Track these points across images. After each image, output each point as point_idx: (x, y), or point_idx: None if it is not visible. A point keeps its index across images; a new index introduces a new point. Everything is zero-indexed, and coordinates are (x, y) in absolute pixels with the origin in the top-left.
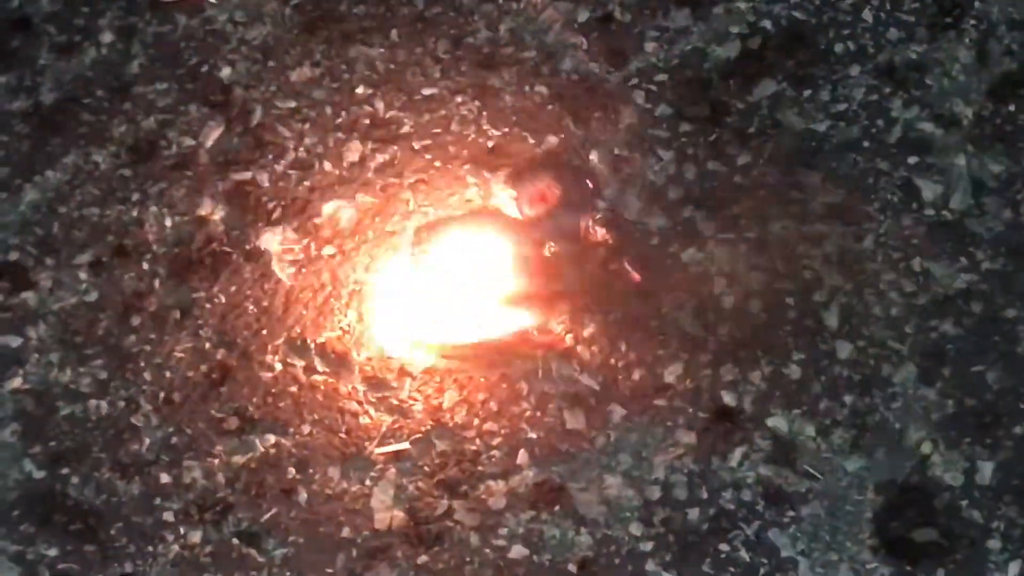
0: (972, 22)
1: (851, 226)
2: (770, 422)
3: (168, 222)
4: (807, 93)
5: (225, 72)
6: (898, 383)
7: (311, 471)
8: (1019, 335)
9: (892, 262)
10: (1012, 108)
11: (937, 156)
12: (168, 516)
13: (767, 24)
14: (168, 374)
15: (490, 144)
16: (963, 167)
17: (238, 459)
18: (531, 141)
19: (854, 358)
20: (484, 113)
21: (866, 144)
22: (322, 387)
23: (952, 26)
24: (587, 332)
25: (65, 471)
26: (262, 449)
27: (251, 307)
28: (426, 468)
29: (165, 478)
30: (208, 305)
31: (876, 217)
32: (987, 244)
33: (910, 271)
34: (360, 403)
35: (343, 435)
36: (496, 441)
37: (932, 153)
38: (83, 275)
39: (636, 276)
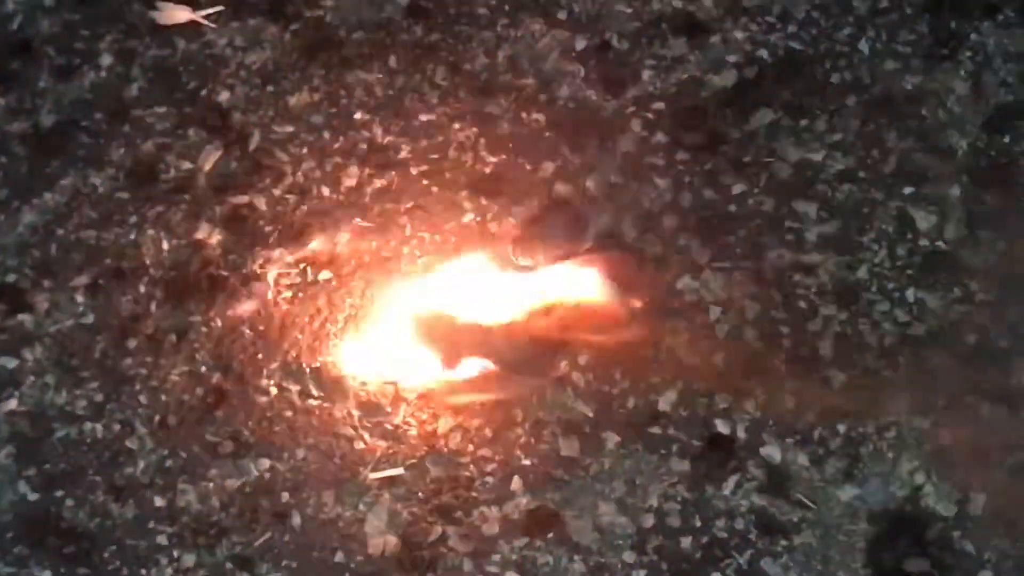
0: (968, 54)
1: (846, 256)
2: (764, 451)
3: (165, 245)
4: (803, 123)
5: (224, 96)
6: (892, 413)
7: (305, 496)
8: (1013, 366)
9: (886, 292)
10: (1007, 139)
11: (932, 187)
12: (162, 540)
13: (764, 54)
14: (164, 397)
15: (487, 170)
16: (957, 198)
17: (232, 483)
18: (528, 168)
19: (848, 388)
20: (481, 139)
21: (861, 174)
22: (317, 412)
23: (948, 57)
24: (582, 360)
25: (59, 493)
26: (256, 473)
27: (247, 331)
28: (420, 494)
29: (159, 501)
30: (204, 329)
31: (871, 247)
32: (981, 275)
33: (904, 301)
34: (355, 428)
35: (337, 460)
36: (490, 467)
37: (927, 184)
38: (80, 298)
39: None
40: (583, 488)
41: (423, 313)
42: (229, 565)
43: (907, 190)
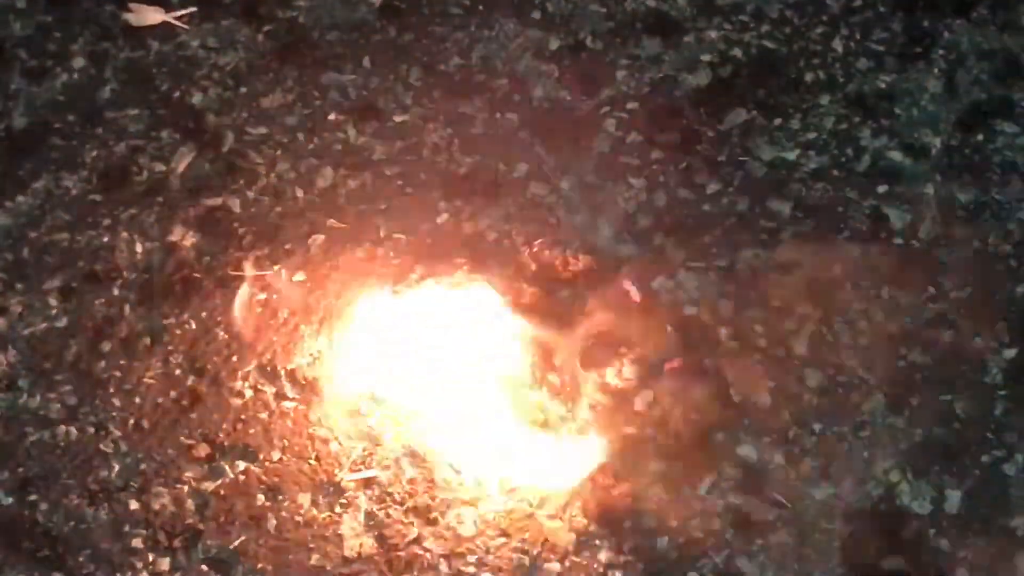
0: (941, 52)
1: (820, 254)
2: (739, 450)
3: (139, 248)
4: (777, 122)
5: (197, 98)
6: (867, 412)
7: (281, 498)
8: (987, 364)
9: (861, 290)
10: (981, 138)
11: (906, 185)
12: (137, 543)
13: (738, 53)
14: (138, 400)
15: (462, 171)
16: (932, 196)
17: (208, 485)
18: (503, 168)
19: (823, 386)
20: (456, 140)
21: (835, 173)
22: (292, 413)
23: (921, 56)
24: (557, 360)
25: (33, 497)
26: (232, 476)
27: (222, 333)
28: (396, 495)
29: (134, 505)
30: (179, 331)
31: (845, 246)
32: (955, 273)
33: (879, 300)
34: (330, 429)
35: (313, 462)
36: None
37: (901, 182)
38: (53, 300)
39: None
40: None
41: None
42: (204, 568)
43: (881, 188)
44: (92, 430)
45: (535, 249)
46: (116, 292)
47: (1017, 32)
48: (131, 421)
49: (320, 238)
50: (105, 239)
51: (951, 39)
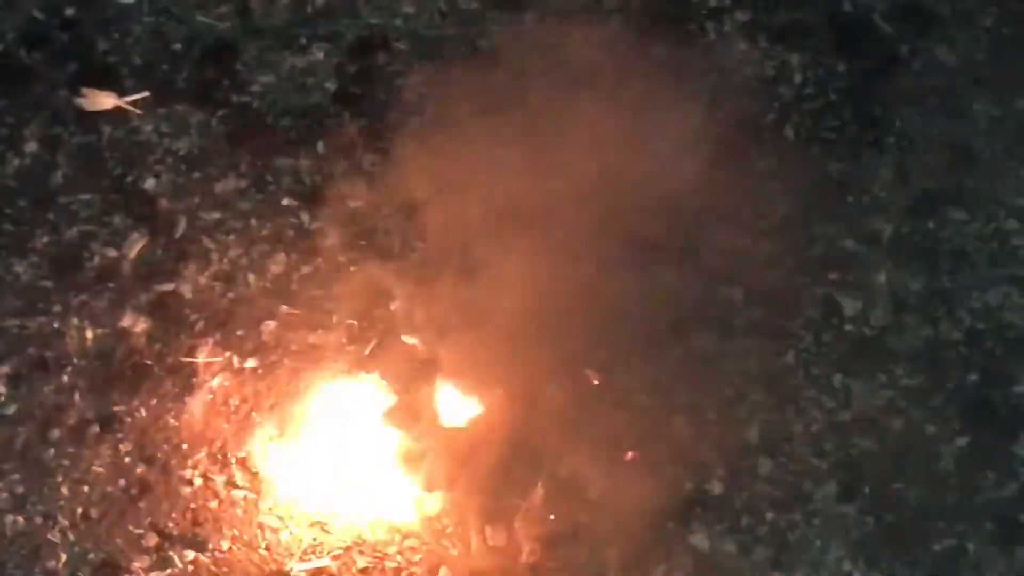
0: (892, 139)
1: (772, 342)
2: (691, 539)
3: (89, 334)
4: (730, 208)
5: (150, 183)
6: (818, 500)
7: None
8: (939, 452)
9: (813, 378)
10: (932, 225)
11: (858, 273)
12: None
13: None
14: (86, 489)
15: (416, 256)
16: (883, 284)
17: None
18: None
19: (775, 474)
20: (410, 227)
21: (787, 260)
22: (242, 502)
23: (873, 144)
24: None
25: None
26: (180, 566)
27: (172, 421)
28: None
29: None
30: (128, 419)
31: (797, 333)
32: (907, 361)
33: (831, 387)
34: (281, 518)
35: (263, 551)
36: (417, 558)
37: (853, 270)
38: (2, 388)
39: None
40: None
41: None
42: None
43: (833, 275)
44: (40, 520)
45: None
46: (66, 379)
47: (967, 120)
48: (79, 510)
49: (272, 324)
50: (55, 325)
51: (902, 127)
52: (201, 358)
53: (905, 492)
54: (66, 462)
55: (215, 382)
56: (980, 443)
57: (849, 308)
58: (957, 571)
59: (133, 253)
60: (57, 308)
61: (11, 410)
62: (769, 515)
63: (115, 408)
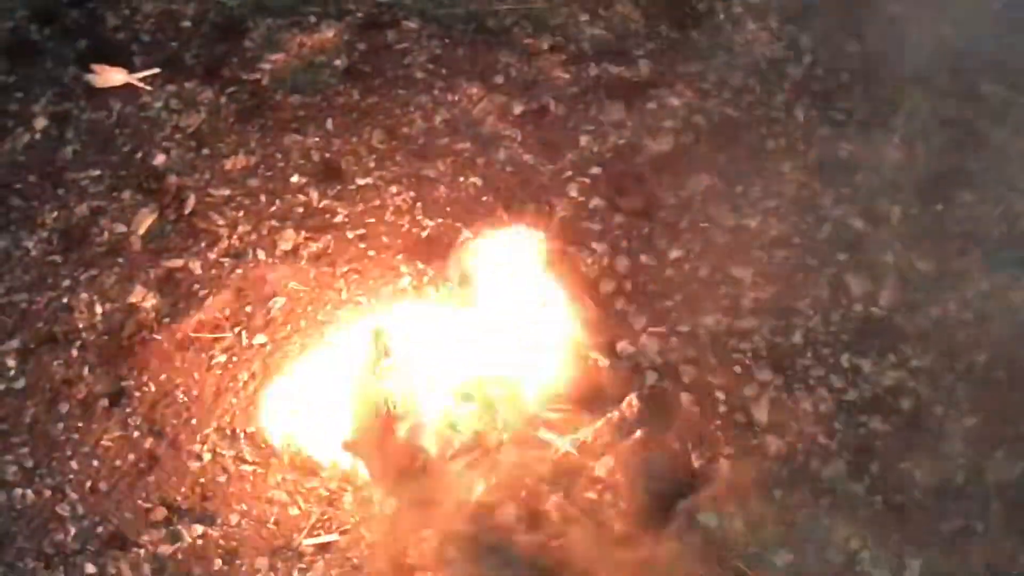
0: (901, 120)
1: (781, 321)
2: (700, 517)
3: (99, 309)
4: (739, 188)
5: (159, 159)
6: (827, 479)
7: (238, 562)
8: (946, 432)
9: (821, 358)
10: (940, 206)
11: (866, 253)
12: None
13: (700, 120)
14: (95, 463)
15: (424, 234)
16: (892, 264)
17: (165, 549)
18: (465, 232)
19: (783, 453)
20: (418, 203)
21: (796, 240)
22: (251, 477)
23: (882, 125)
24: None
25: None
26: (189, 540)
27: (181, 396)
28: (355, 560)
29: (90, 568)
30: (137, 393)
31: (806, 313)
32: (915, 341)
33: (839, 367)
34: (289, 493)
35: (271, 526)
36: (426, 534)
37: (861, 250)
38: (11, 362)
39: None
40: (515, 552)
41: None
42: None
43: (842, 256)
44: (49, 493)
45: None
46: (75, 353)
47: (976, 101)
48: (88, 484)
49: (281, 301)
50: (65, 300)
51: (911, 108)
52: (209, 334)
53: (913, 472)
54: (75, 436)
55: (223, 358)
56: (988, 423)
57: (857, 288)
58: (965, 551)
59: (142, 229)
60: (66, 283)
61: (20, 384)
62: (777, 493)
63: (124, 383)
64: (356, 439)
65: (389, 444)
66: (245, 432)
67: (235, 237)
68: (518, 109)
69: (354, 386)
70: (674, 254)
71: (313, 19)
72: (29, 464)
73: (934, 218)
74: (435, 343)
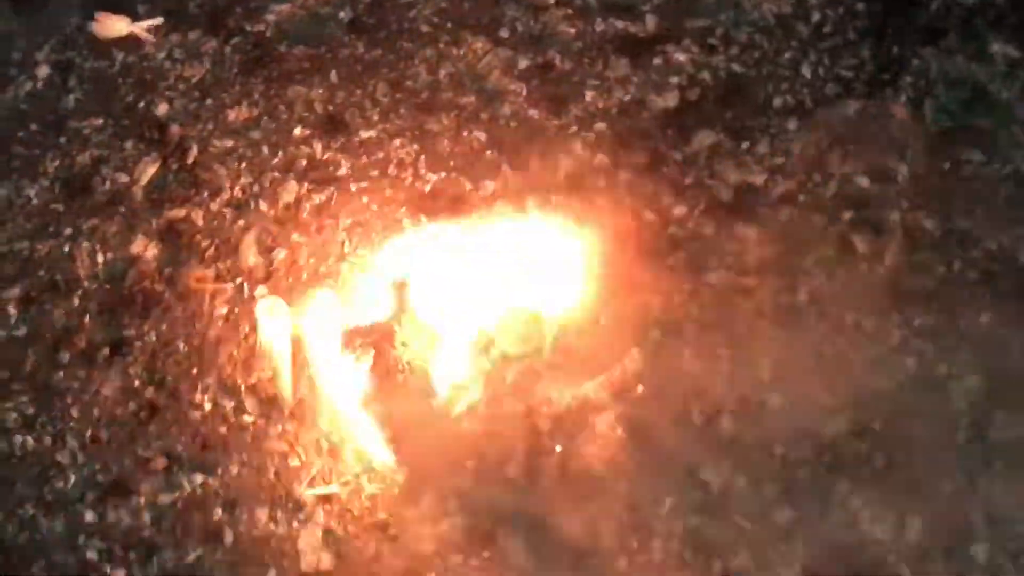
0: (909, 79)
1: (785, 279)
2: (701, 473)
3: (100, 258)
4: (745, 145)
5: (162, 109)
6: (829, 436)
7: (238, 512)
8: (950, 391)
9: (825, 316)
10: (947, 165)
11: (872, 211)
12: (92, 555)
13: (706, 76)
14: (96, 411)
15: (427, 188)
16: (898, 223)
17: (165, 498)
18: (469, 186)
19: (786, 410)
20: (422, 157)
21: (802, 198)
22: (252, 428)
23: (889, 83)
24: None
25: None
26: (189, 489)
27: (182, 346)
28: (355, 511)
29: (90, 516)
30: (138, 343)
31: (811, 271)
32: (920, 300)
33: (843, 325)
34: (290, 444)
35: (272, 476)
36: (427, 485)
37: (867, 208)
38: (12, 309)
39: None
40: (519, 506)
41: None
42: None
43: (847, 214)
44: (49, 440)
45: None
46: (76, 302)
47: (985, 61)
48: (88, 432)
49: (283, 253)
50: (66, 249)
51: (919, 66)
52: (211, 285)
53: (916, 430)
54: (75, 384)
55: (225, 309)
56: (992, 383)
57: (863, 246)
58: (966, 510)
59: (144, 179)
60: (68, 231)
61: (21, 331)
62: (779, 450)
63: (125, 332)
64: (367, 393)
65: (399, 396)
66: (246, 384)
67: (237, 188)
68: (523, 64)
69: (358, 337)
70: (679, 211)
71: None
72: (29, 412)
73: (941, 176)
74: (439, 298)
